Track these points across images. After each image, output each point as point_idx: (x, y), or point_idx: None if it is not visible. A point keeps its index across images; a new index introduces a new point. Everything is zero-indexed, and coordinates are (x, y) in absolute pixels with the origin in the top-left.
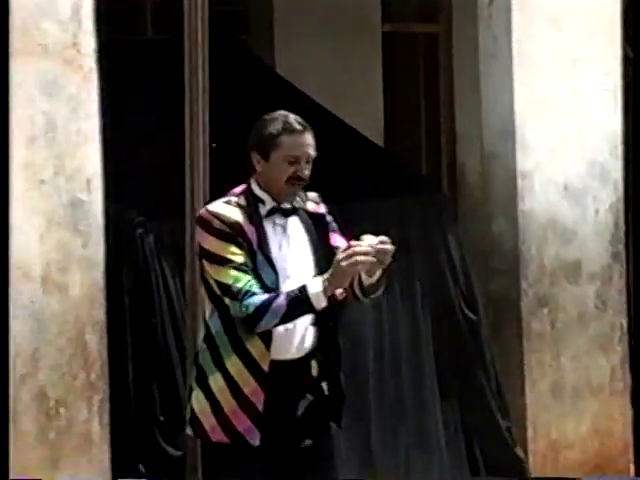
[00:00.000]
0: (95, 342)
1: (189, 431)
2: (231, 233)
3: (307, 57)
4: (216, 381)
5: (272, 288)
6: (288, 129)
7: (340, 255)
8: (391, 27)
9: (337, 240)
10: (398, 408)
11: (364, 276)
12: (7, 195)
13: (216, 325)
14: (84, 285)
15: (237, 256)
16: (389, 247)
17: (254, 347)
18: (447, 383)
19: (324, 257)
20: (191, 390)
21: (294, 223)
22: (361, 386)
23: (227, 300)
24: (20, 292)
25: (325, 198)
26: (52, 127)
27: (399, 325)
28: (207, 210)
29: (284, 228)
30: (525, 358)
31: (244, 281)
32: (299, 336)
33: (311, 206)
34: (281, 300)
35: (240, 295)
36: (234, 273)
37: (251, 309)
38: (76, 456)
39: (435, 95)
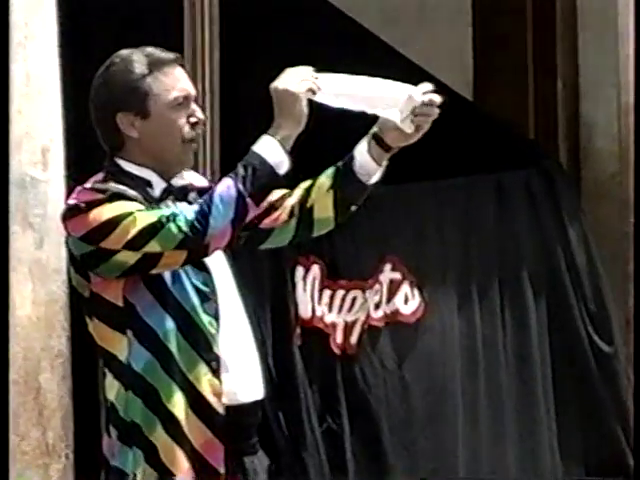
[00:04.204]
0: None
1: None
2: (123, 196)
3: None
4: (159, 436)
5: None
6: (159, 63)
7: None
8: None
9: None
10: None
11: (366, 158)
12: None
13: (142, 359)
14: None
15: (140, 205)
16: (437, 98)
17: (202, 381)
18: (570, 442)
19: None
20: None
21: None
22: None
23: (154, 243)
24: None
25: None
26: None
27: (497, 355)
28: (79, 192)
29: None
30: None
31: (162, 210)
32: (250, 376)
33: (192, 177)
34: (224, 184)
35: (168, 217)
36: (145, 213)
37: (191, 214)
38: None
39: (548, 29)
